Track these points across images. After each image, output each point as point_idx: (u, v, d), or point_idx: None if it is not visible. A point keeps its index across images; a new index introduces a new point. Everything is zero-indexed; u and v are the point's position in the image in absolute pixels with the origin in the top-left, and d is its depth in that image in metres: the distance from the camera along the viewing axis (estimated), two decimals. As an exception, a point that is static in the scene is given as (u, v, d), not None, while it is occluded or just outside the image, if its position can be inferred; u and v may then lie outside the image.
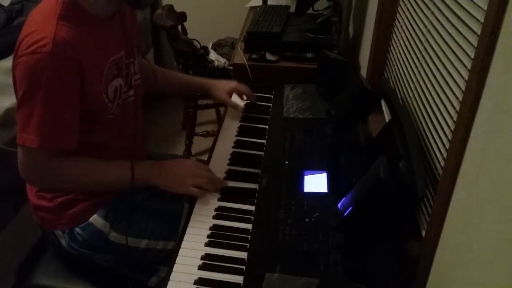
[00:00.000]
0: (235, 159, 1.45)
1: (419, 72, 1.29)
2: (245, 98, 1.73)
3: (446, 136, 1.03)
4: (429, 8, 1.24)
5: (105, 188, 1.30)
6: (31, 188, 1.35)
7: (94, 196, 1.31)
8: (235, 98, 1.72)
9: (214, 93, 1.68)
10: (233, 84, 1.72)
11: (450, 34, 1.07)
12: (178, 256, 1.11)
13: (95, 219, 1.31)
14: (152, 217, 1.36)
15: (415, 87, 1.32)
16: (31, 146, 1.13)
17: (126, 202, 1.33)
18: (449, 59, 1.06)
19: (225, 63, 2.75)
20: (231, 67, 2.12)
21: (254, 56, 2.06)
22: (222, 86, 1.69)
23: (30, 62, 1.08)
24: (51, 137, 1.14)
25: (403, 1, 1.52)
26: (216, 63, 2.75)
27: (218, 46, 3.00)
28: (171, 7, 2.67)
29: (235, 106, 1.68)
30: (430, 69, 1.19)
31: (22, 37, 1.12)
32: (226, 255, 1.11)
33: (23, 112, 1.12)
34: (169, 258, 1.13)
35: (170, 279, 1.06)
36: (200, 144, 2.96)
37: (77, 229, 1.30)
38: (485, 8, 0.83)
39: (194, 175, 1.28)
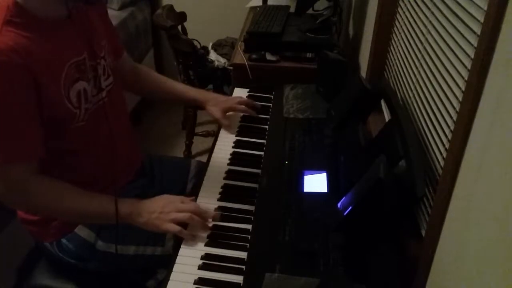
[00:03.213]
0: (235, 159, 1.45)
1: (419, 72, 1.29)
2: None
3: (446, 136, 1.03)
4: (429, 8, 1.24)
5: (81, 220, 1.26)
6: None
7: None
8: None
9: (209, 109, 1.60)
10: (230, 102, 1.63)
11: (450, 34, 1.07)
12: (178, 256, 1.11)
13: (80, 229, 1.29)
14: None
15: (415, 87, 1.32)
16: None
17: None
18: (449, 59, 1.06)
19: (225, 63, 2.75)
20: (231, 67, 2.12)
21: (254, 56, 2.06)
22: (218, 102, 1.60)
23: None
24: (12, 150, 1.08)
25: (403, 1, 1.52)
26: (216, 63, 2.75)
27: (218, 46, 3.00)
28: (171, 7, 2.67)
29: (227, 128, 1.57)
30: (430, 69, 1.19)
31: None
32: (226, 255, 1.11)
33: None
34: (162, 262, 1.11)
35: (170, 279, 1.06)
36: (200, 144, 2.96)
37: (64, 240, 1.29)
38: (485, 8, 0.83)
39: (175, 210, 1.18)
